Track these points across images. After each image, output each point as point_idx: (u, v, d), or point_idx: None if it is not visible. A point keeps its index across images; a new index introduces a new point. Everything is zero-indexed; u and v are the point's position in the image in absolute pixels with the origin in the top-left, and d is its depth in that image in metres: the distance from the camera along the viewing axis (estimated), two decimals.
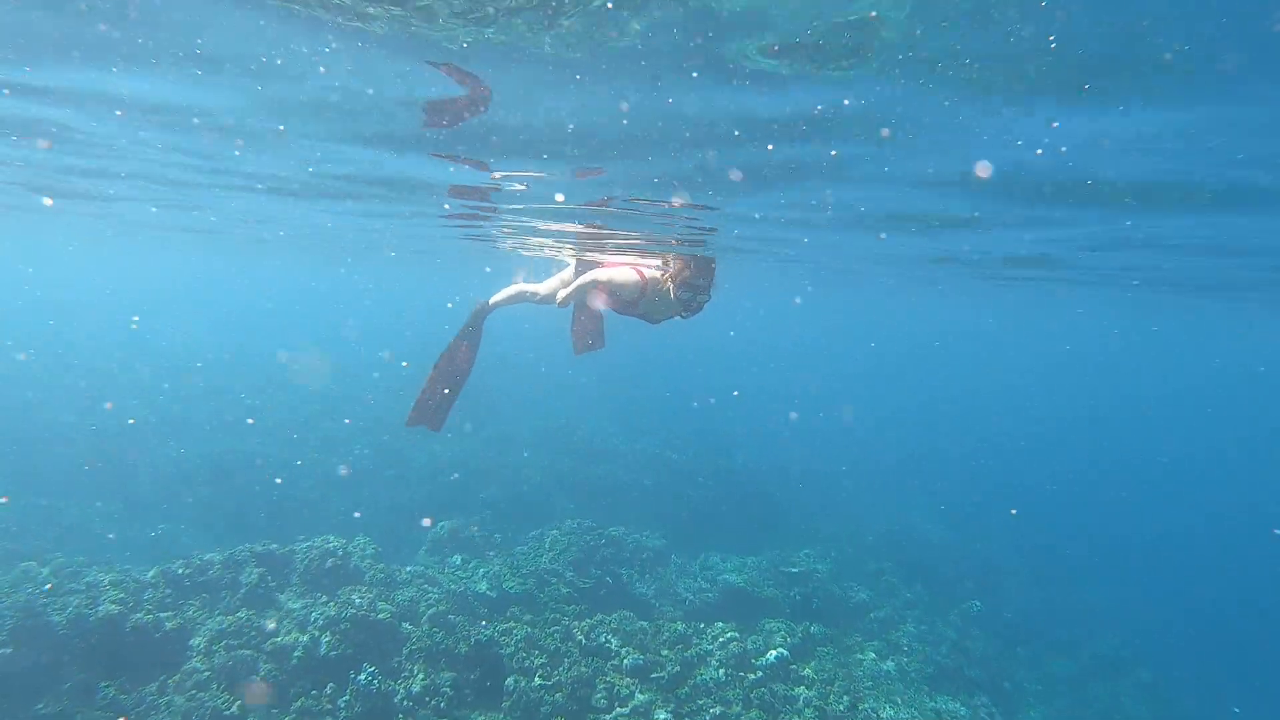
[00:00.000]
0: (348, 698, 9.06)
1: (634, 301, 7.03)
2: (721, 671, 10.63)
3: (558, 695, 9.62)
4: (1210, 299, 20.21)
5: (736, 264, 19.03)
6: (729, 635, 11.45)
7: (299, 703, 9.07)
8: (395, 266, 35.07)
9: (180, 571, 11.18)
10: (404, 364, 27.38)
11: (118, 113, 7.90)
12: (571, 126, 6.47)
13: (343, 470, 19.37)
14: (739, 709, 9.92)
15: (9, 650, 9.24)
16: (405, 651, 10.02)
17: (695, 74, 4.95)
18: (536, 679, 9.87)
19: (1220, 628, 20.56)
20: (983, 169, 7.03)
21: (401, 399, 24.49)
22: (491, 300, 8.40)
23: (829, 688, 10.76)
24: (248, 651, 9.59)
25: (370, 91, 6.02)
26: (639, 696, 9.89)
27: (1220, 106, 5.10)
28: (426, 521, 15.69)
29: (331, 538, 12.21)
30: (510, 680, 9.80)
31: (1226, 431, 73.65)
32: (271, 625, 10.15)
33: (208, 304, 57.83)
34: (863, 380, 64.91)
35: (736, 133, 6.34)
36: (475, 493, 19.35)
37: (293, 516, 16.79)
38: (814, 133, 6.22)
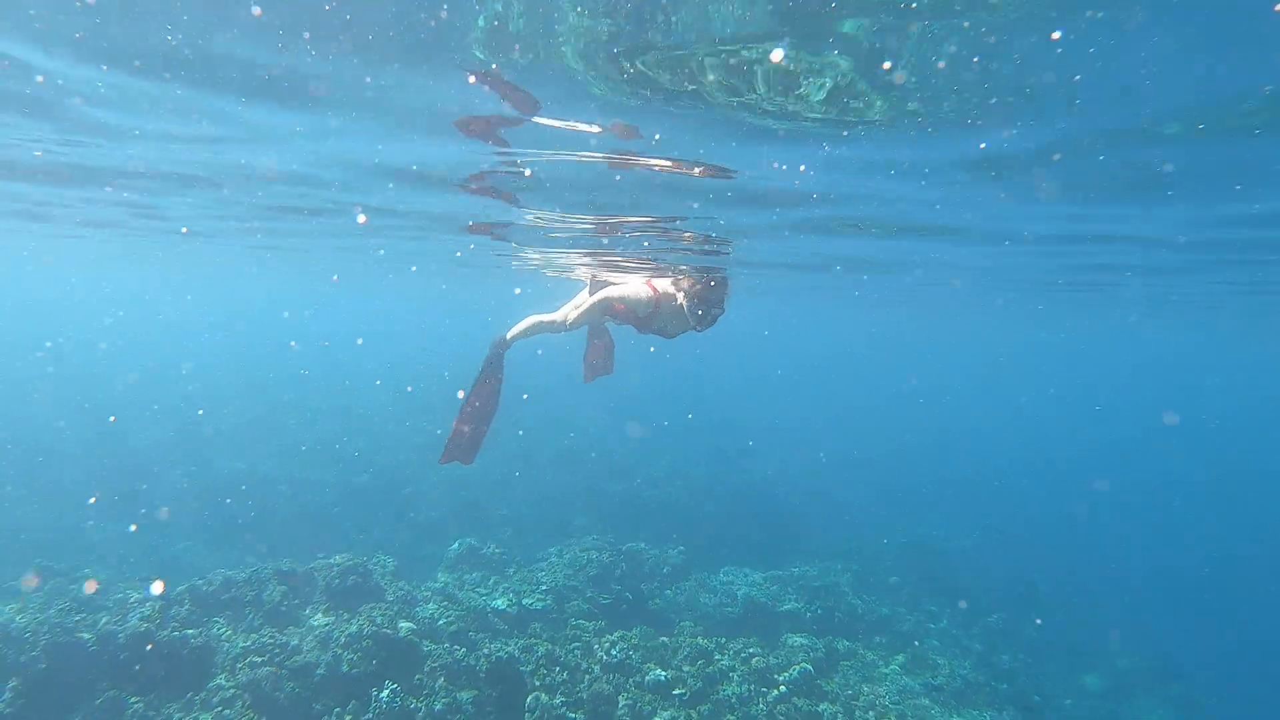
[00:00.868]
0: (370, 715, 9.09)
1: (649, 317, 7.06)
2: (745, 687, 10.57)
3: (579, 713, 9.61)
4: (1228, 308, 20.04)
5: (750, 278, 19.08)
6: (751, 650, 11.40)
7: None
8: (419, 285, 35.44)
9: (205, 589, 11.29)
10: (408, 389, 27.57)
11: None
12: None
13: (362, 488, 19.50)
14: None
15: (43, 666, 9.37)
16: (426, 669, 10.04)
17: None
18: (558, 696, 9.86)
19: (1254, 642, 20.13)
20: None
21: (420, 418, 24.77)
22: (509, 335, 8.44)
23: (854, 703, 10.68)
24: (271, 669, 9.65)
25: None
26: (662, 713, 9.86)
27: None
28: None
29: (352, 555, 12.28)
30: (531, 698, 9.80)
31: (1258, 444, 72.45)
32: (294, 642, 10.23)
33: (226, 322, 58.41)
34: (886, 394, 64.50)
35: None
36: (494, 510, 19.42)
37: (313, 534, 16.89)
38: None
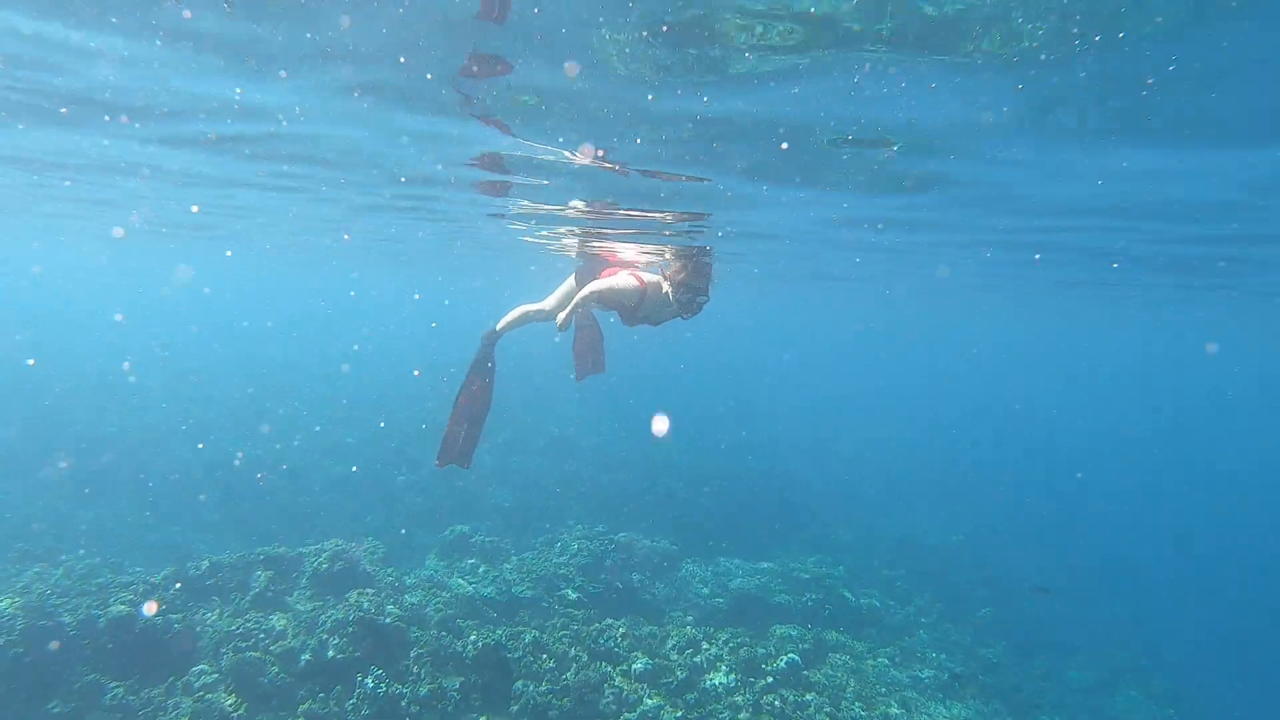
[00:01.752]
0: (355, 701, 9.03)
1: (635, 307, 7.06)
2: (731, 677, 10.53)
3: (565, 700, 9.55)
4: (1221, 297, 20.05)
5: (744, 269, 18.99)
6: (739, 641, 11.35)
7: (306, 705, 9.05)
8: (417, 273, 35.24)
9: (191, 574, 11.21)
10: (415, 372, 27.45)
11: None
12: None
13: (353, 475, 19.41)
14: (748, 715, 9.82)
15: (21, 649, 9.26)
16: (413, 655, 9.97)
17: None
18: (544, 683, 9.81)
19: (1239, 637, 20.21)
20: None
21: (415, 406, 24.67)
22: (498, 326, 8.42)
23: (840, 694, 10.65)
24: (255, 654, 9.58)
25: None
26: (647, 701, 9.81)
27: None
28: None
29: (340, 541, 12.20)
30: (518, 684, 9.74)
31: (1244, 439, 72.75)
32: (280, 628, 10.15)
33: (221, 309, 58.18)
34: (877, 387, 64.60)
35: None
36: (486, 498, 19.36)
37: (304, 520, 16.83)
38: None
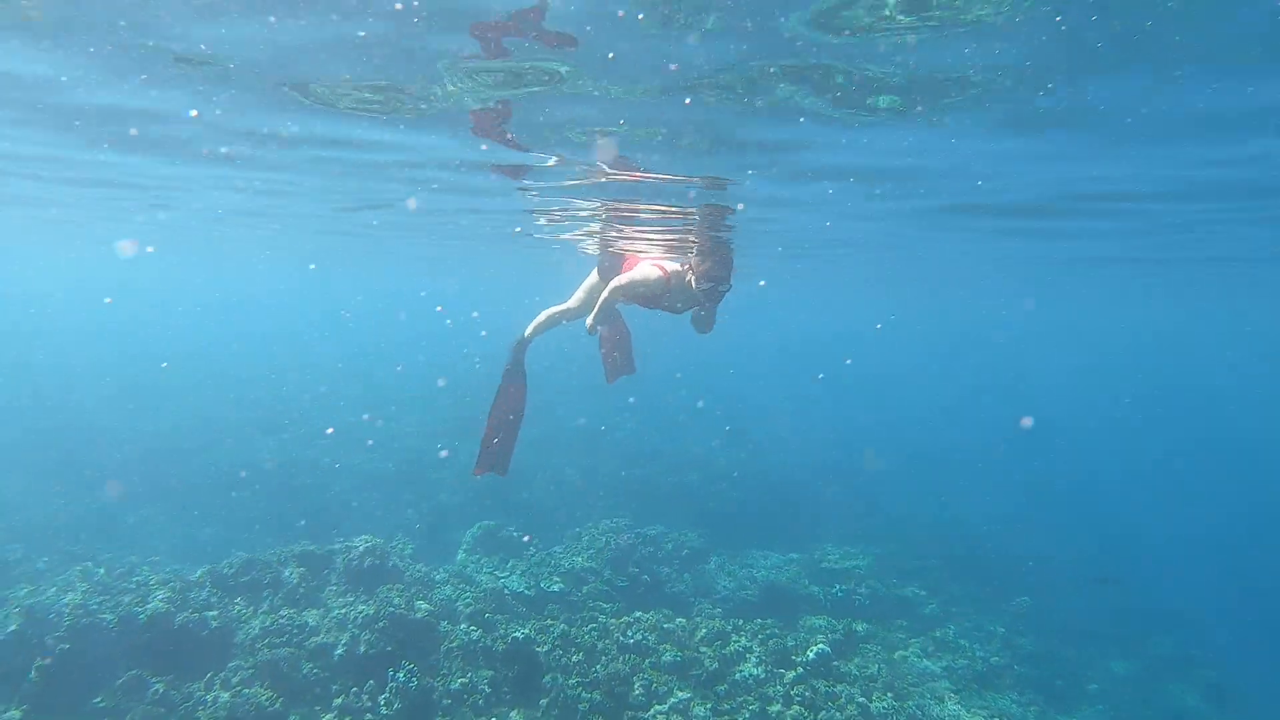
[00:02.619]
0: (387, 695, 9.15)
1: (659, 295, 7.25)
2: (761, 668, 10.51)
3: (595, 693, 9.60)
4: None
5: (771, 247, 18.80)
6: (769, 632, 11.33)
7: (340, 700, 9.19)
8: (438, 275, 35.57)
9: (225, 571, 11.42)
10: (440, 381, 27.62)
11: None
12: None
13: (384, 471, 19.63)
14: (779, 706, 9.80)
15: (66, 646, 9.52)
16: (443, 649, 10.09)
17: None
18: (574, 676, 9.86)
19: None
20: None
21: (443, 402, 24.88)
22: (527, 333, 8.48)
23: (872, 684, 10.58)
24: (290, 649, 9.74)
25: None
26: (677, 694, 9.83)
27: None
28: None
29: (371, 538, 12.34)
30: (548, 678, 9.81)
31: None
32: (313, 623, 10.31)
33: (251, 309, 59.08)
34: (909, 373, 63.82)
35: None
36: (514, 494, 19.45)
37: (335, 517, 17.04)
38: None
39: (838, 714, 9.74)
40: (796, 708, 9.78)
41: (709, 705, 9.69)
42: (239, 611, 10.61)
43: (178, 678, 9.41)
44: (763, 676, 10.37)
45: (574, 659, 10.21)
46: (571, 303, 8.76)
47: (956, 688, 11.61)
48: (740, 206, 11.24)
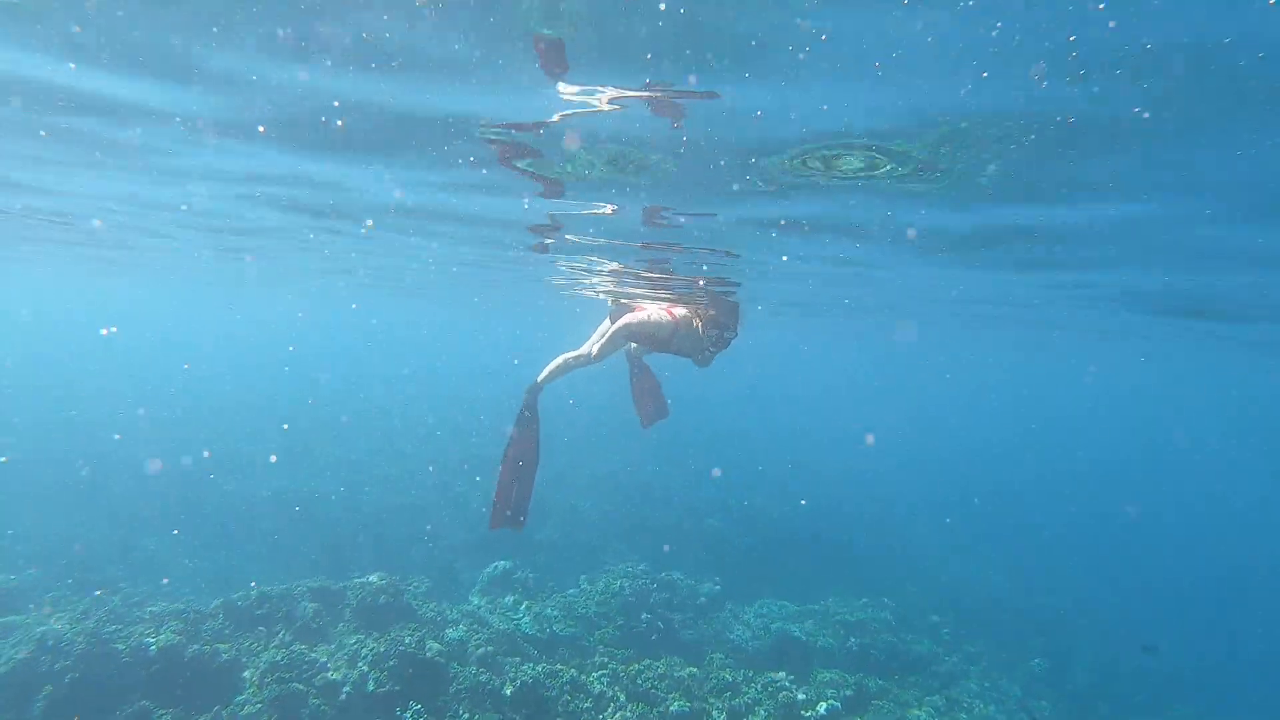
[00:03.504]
0: None
1: (668, 339, 7.52)
2: None
3: None
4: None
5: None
6: (779, 685, 11.17)
7: None
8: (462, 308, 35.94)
9: (240, 604, 11.46)
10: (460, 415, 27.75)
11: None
12: None
13: (400, 507, 19.67)
14: None
15: (77, 675, 9.57)
16: (452, 691, 10.03)
17: None
18: None
19: None
20: None
21: (461, 440, 24.99)
22: (540, 379, 8.49)
23: None
24: (298, 685, 9.73)
25: None
26: None
27: None
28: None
29: (385, 575, 12.36)
30: None
31: None
32: (323, 660, 10.30)
33: (271, 344, 59.73)
34: (925, 427, 63.36)
35: None
36: (531, 533, 19.38)
37: (351, 552, 17.09)
38: None
39: None
40: None
41: None
42: (250, 645, 10.63)
43: (185, 710, 9.42)
44: None
45: (583, 705, 10.12)
46: (584, 349, 8.82)
47: None
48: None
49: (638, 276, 13.55)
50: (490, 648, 11.57)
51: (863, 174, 6.36)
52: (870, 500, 27.24)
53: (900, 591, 18.07)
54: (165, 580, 14.85)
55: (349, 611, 11.76)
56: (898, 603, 16.87)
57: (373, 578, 12.29)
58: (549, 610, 13.70)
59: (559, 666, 11.18)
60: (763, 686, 11.12)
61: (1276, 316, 14.82)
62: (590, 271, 14.72)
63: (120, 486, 19.57)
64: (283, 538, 17.80)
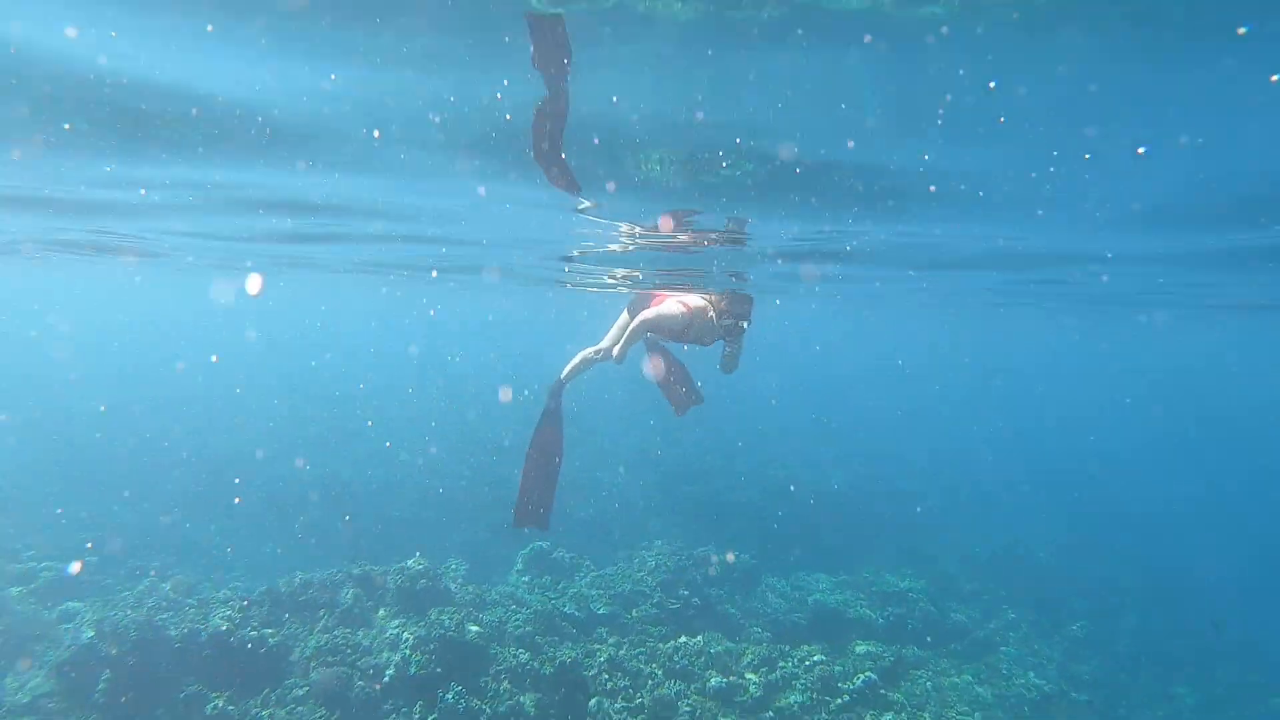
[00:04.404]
0: (436, 715, 9.34)
1: (683, 330, 7.60)
2: (807, 695, 10.44)
3: (640, 718, 9.66)
4: None
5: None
6: (816, 658, 11.24)
7: (390, 719, 9.41)
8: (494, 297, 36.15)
9: (284, 590, 11.78)
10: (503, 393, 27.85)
11: None
12: None
13: (438, 492, 19.99)
14: None
15: (133, 661, 9.96)
16: (492, 671, 10.25)
17: None
18: (619, 701, 9.94)
19: None
20: None
21: (499, 423, 25.24)
22: (562, 375, 8.57)
23: (920, 713, 10.42)
24: (343, 669, 10.01)
25: None
26: None
27: None
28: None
29: (424, 559, 12.60)
30: (594, 702, 9.90)
31: None
32: (366, 643, 10.58)
33: (312, 335, 60.58)
34: (968, 397, 62.51)
35: None
36: (570, 512, 19.54)
37: (392, 537, 17.41)
38: None
39: None
40: None
41: None
42: (296, 630, 10.94)
43: (237, 693, 9.76)
44: (809, 704, 10.30)
45: (620, 683, 10.29)
46: (604, 343, 8.85)
47: (1010, 716, 11.35)
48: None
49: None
50: (529, 628, 11.77)
51: None
52: (906, 471, 27.03)
53: (938, 561, 18.01)
54: (213, 567, 15.31)
55: (390, 596, 12.02)
56: (936, 571, 16.83)
57: (411, 562, 12.53)
58: (587, 589, 13.89)
59: (596, 645, 11.36)
60: (800, 660, 11.19)
61: None
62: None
63: (169, 476, 20.12)
64: (327, 524, 18.18)
